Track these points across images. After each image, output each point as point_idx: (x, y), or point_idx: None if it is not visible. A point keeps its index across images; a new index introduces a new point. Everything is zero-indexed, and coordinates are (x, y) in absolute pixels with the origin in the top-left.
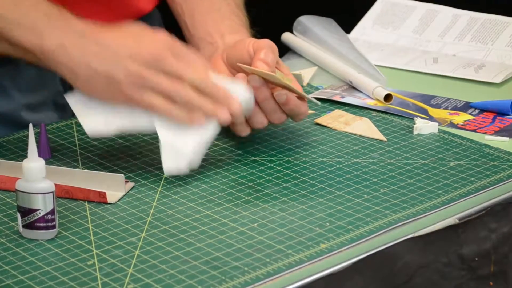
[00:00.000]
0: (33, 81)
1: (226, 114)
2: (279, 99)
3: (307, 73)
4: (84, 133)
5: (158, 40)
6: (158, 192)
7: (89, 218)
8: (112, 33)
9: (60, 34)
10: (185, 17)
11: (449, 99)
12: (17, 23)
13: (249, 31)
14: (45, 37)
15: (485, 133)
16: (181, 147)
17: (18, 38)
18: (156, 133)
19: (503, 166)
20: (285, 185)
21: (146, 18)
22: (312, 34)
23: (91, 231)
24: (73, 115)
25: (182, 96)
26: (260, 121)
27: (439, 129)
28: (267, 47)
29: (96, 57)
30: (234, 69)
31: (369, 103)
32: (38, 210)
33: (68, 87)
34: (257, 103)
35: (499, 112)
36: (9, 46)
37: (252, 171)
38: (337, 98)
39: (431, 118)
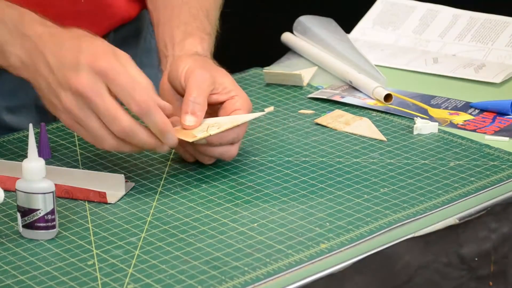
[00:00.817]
0: (14, 84)
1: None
2: (202, 144)
3: (307, 73)
4: None
5: (95, 68)
6: (158, 192)
7: (89, 218)
8: (61, 48)
9: (19, 50)
10: (154, 27)
11: (449, 99)
12: None
13: (207, 36)
14: (7, 51)
15: (485, 133)
16: None
17: None
18: None
19: (503, 166)
20: (285, 185)
21: (133, 22)
22: (312, 34)
23: (91, 231)
24: (55, 117)
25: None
26: (205, 160)
27: (439, 129)
28: (195, 92)
29: (42, 80)
30: (177, 91)
31: (369, 103)
32: (38, 210)
33: None
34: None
35: (499, 112)
36: None
37: (252, 171)
38: (337, 98)
39: (431, 118)
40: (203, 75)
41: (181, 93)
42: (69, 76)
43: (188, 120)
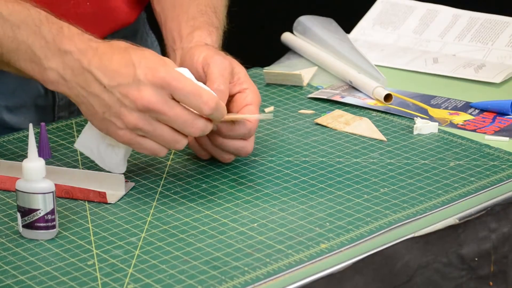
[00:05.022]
0: (14, 84)
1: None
2: (217, 136)
3: (307, 73)
4: None
5: (156, 81)
6: (158, 192)
7: (89, 218)
8: (110, 63)
9: (59, 66)
10: (161, 26)
11: (449, 99)
12: (16, 50)
13: (215, 29)
14: (45, 67)
15: (485, 133)
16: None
17: (20, 65)
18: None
19: (503, 166)
20: (285, 185)
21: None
22: (312, 34)
23: (91, 231)
24: (55, 117)
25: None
26: (224, 158)
27: (439, 129)
28: (218, 80)
29: (95, 99)
30: None
31: (369, 103)
32: (38, 210)
33: (49, 90)
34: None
35: (499, 112)
36: (17, 71)
37: (252, 171)
38: (337, 98)
39: (431, 118)
40: (223, 63)
41: (197, 79)
42: (131, 94)
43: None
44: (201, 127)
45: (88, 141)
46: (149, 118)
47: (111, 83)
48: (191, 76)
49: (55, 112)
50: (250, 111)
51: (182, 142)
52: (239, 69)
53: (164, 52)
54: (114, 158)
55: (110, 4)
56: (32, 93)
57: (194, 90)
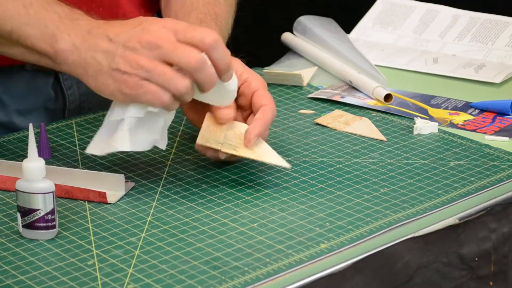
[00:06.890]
0: (24, 88)
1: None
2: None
3: (307, 73)
4: (84, 133)
5: (160, 23)
6: (158, 192)
7: (89, 218)
8: (120, 26)
9: (71, 34)
10: None
11: (449, 99)
12: (28, 25)
13: None
14: (58, 38)
15: (485, 133)
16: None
17: (31, 40)
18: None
19: (503, 166)
20: (285, 185)
21: None
22: (312, 34)
23: (91, 231)
24: (64, 118)
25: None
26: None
27: (439, 129)
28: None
29: (101, 54)
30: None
31: (369, 103)
32: (38, 210)
33: (59, 94)
34: None
35: (499, 112)
36: (24, 50)
37: (252, 171)
38: (337, 98)
39: (431, 118)
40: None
41: None
42: (135, 34)
43: (224, 113)
44: (200, 57)
45: (108, 128)
46: (151, 56)
47: (117, 33)
48: None
49: (65, 115)
50: (265, 111)
51: (183, 83)
52: (234, 64)
53: None
54: (155, 125)
55: (123, 10)
56: (43, 97)
57: (199, 30)
